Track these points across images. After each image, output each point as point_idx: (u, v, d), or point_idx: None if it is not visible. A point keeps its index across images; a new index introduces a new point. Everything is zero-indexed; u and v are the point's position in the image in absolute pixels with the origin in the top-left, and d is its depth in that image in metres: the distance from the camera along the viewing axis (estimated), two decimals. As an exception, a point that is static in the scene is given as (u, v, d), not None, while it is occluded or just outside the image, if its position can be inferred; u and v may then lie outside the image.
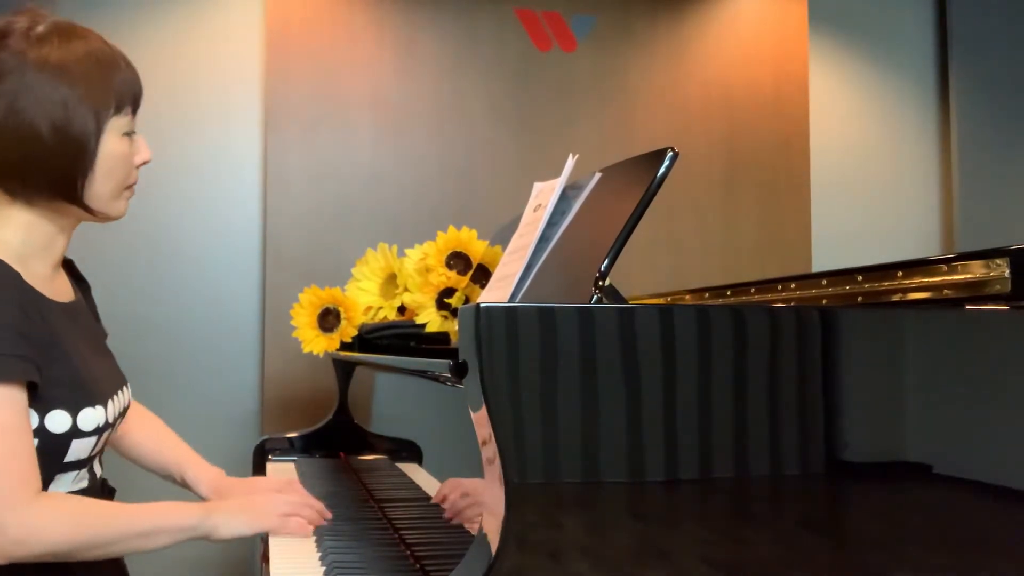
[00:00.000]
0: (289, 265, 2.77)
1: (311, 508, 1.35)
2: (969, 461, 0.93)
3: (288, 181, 2.80)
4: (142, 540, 1.17)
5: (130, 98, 1.21)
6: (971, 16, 3.31)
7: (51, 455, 1.15)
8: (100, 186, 1.19)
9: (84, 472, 1.23)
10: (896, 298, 1.11)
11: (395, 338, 1.75)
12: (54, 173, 1.15)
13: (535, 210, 1.25)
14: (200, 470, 1.48)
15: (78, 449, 1.18)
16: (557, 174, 1.22)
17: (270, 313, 2.76)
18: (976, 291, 1.01)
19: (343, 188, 2.83)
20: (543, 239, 1.18)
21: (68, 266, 1.34)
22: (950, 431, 0.93)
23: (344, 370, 2.12)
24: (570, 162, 1.19)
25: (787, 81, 3.17)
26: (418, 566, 1.18)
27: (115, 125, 1.19)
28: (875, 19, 3.37)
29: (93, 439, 1.20)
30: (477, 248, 1.47)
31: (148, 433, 1.51)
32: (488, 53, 2.95)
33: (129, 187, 1.25)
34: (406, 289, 1.67)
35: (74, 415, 1.16)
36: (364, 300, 1.86)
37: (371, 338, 1.85)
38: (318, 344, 1.89)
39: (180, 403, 2.75)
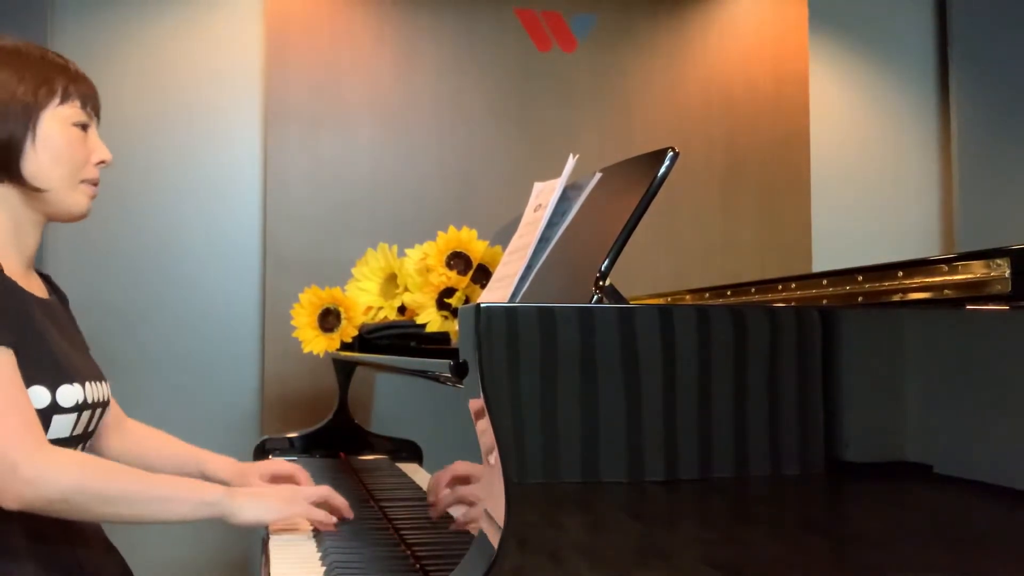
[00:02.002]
0: (289, 265, 2.77)
1: (337, 499, 1.37)
2: (969, 461, 0.93)
3: (288, 181, 2.80)
4: (159, 506, 1.17)
5: (79, 94, 1.27)
6: (971, 16, 3.31)
7: None
8: (48, 168, 1.24)
9: None
10: (896, 298, 1.11)
11: (395, 338, 1.75)
12: None
13: (535, 210, 1.25)
14: (218, 461, 1.50)
15: (59, 426, 1.20)
16: (557, 174, 1.22)
17: (270, 313, 2.76)
18: (976, 291, 1.01)
19: (343, 188, 2.83)
20: (543, 239, 1.18)
21: (47, 280, 1.39)
22: (950, 431, 0.93)
23: (344, 370, 2.12)
24: (570, 162, 1.19)
25: (787, 81, 3.17)
26: (418, 566, 1.18)
27: (60, 112, 1.25)
28: (875, 19, 3.37)
29: (73, 416, 1.22)
30: (477, 248, 1.47)
31: (158, 442, 1.54)
32: (488, 53, 2.95)
33: (87, 182, 1.29)
34: (406, 289, 1.67)
35: (53, 391, 1.18)
36: (364, 300, 1.86)
37: (371, 338, 1.85)
38: (318, 344, 1.90)
39: (180, 403, 2.75)
